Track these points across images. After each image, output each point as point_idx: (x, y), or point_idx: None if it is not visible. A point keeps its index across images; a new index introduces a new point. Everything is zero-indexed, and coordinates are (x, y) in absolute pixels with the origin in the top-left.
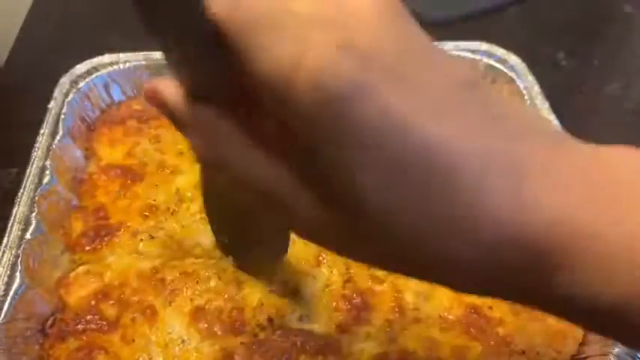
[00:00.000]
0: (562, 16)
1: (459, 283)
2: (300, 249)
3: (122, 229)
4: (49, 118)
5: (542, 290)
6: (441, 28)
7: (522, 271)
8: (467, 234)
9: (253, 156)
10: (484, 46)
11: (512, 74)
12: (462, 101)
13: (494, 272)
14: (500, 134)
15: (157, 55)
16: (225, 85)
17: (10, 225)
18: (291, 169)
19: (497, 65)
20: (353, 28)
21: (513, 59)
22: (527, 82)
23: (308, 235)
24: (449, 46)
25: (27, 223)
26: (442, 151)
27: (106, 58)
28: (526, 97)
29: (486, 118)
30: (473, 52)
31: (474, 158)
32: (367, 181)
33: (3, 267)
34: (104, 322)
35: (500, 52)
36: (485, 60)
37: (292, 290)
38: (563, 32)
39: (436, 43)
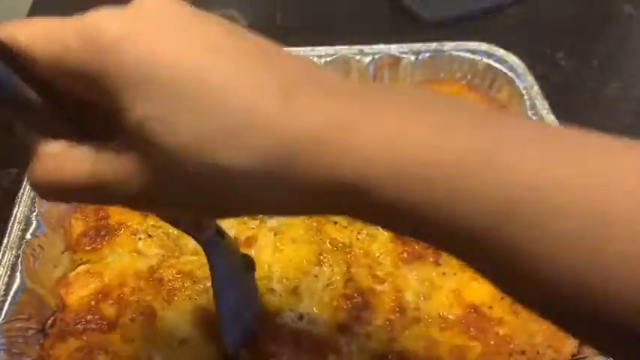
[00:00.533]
0: (561, 16)
1: (254, 203)
2: (301, 248)
3: (122, 229)
4: None
5: (324, 185)
6: (441, 28)
7: (298, 172)
8: (243, 142)
9: (77, 155)
10: (484, 46)
11: (511, 74)
12: (232, 40)
13: (276, 180)
14: (271, 62)
15: None
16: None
17: (10, 225)
18: (104, 147)
19: (497, 65)
20: (135, 6)
21: (513, 59)
22: (527, 82)
23: (135, 202)
24: (449, 46)
25: (27, 223)
26: (214, 75)
27: None
28: (526, 97)
29: (258, 50)
30: (473, 52)
31: (245, 78)
32: (146, 113)
33: (3, 267)
34: (104, 322)
35: (499, 52)
36: (485, 60)
37: (293, 289)
38: (563, 32)
39: (436, 43)
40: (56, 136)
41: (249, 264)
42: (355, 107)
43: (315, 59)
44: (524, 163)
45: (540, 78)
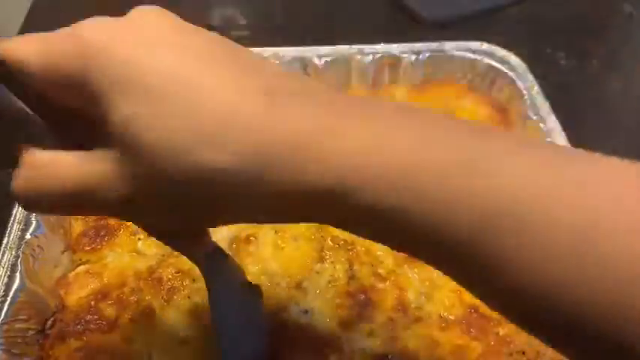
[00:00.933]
0: (562, 16)
1: (234, 207)
2: (303, 245)
3: (122, 229)
4: None
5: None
6: (441, 28)
7: (276, 172)
8: (222, 141)
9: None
10: (484, 46)
11: (512, 74)
12: (217, 48)
13: (254, 182)
14: (256, 69)
15: None
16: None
17: (10, 225)
18: (94, 155)
19: (498, 65)
20: (126, 17)
21: (513, 59)
22: (527, 82)
23: (122, 209)
24: (449, 46)
25: (27, 223)
26: (197, 77)
27: None
28: (526, 97)
29: (242, 58)
30: (473, 52)
31: (230, 82)
32: (127, 112)
33: (3, 267)
34: (104, 322)
35: (500, 52)
36: (486, 60)
37: (295, 285)
38: (563, 32)
39: (436, 43)
40: (43, 147)
41: (256, 292)
42: (336, 115)
43: (315, 59)
44: (510, 172)
45: (540, 78)
